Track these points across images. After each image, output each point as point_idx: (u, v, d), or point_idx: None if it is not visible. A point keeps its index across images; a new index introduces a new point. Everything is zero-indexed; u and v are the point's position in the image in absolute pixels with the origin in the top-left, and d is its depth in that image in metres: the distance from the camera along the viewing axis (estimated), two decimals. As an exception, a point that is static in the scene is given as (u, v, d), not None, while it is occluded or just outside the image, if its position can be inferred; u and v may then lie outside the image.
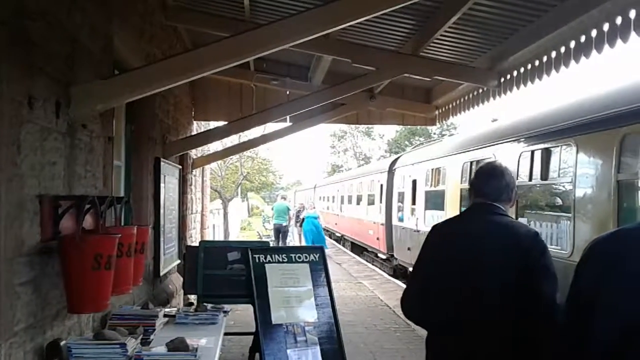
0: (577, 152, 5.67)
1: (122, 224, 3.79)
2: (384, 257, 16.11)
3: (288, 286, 5.19)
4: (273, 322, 4.92)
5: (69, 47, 3.18)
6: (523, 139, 6.97)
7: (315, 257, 5.46)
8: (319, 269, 5.40)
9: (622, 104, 5.14)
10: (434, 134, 40.61)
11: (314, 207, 19.48)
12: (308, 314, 5.11)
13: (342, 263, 16.76)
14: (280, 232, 18.30)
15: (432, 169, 11.35)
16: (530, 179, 6.57)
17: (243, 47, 3.44)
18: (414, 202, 12.60)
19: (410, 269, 12.38)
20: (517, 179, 6.75)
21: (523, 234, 2.58)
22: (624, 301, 1.86)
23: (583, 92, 6.71)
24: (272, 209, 19.62)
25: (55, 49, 2.97)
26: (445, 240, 2.74)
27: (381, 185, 16.15)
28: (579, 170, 5.63)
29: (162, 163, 5.83)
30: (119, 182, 4.85)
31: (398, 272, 14.38)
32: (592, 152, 5.52)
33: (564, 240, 5.90)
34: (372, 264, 17.27)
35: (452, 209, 9.71)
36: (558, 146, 6.14)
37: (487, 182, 2.74)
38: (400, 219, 13.90)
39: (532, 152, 6.60)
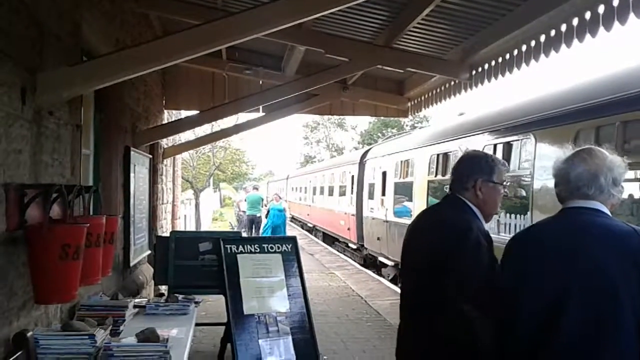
0: (536, 145, 5.96)
1: (91, 213, 3.73)
2: (354, 247, 16.22)
3: (260, 276, 5.19)
4: (245, 313, 4.92)
5: (36, 32, 3.10)
6: (487, 133, 7.26)
7: (287, 248, 5.46)
8: (292, 259, 5.41)
9: (577, 102, 5.51)
10: (407, 125, 40.86)
11: (280, 198, 18.20)
12: (280, 304, 5.11)
13: (314, 254, 16.80)
14: (254, 223, 18.19)
15: (401, 161, 11.57)
16: None
17: (215, 35, 3.41)
18: (383, 193, 12.79)
19: (380, 258, 12.95)
20: None
21: (447, 232, 2.49)
22: (546, 279, 2.03)
23: (543, 89, 7.11)
24: (245, 199, 19.41)
25: (21, 33, 2.89)
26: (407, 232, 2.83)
27: (352, 177, 16.32)
28: (537, 163, 5.92)
29: (132, 152, 5.74)
30: (88, 171, 4.76)
31: (368, 261, 14.56)
32: (550, 146, 5.77)
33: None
34: (344, 254, 17.36)
35: (419, 200, 9.98)
36: (519, 140, 6.45)
37: (453, 171, 2.70)
38: (371, 210, 14.07)
39: (495, 145, 6.90)
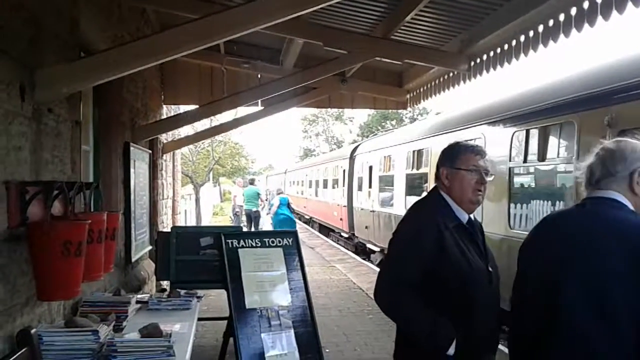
0: (485, 144, 7.17)
1: (92, 210, 3.73)
2: (346, 236, 17.27)
3: (262, 271, 5.19)
4: (247, 307, 4.92)
5: (34, 29, 3.09)
6: (450, 133, 8.64)
7: (288, 242, 5.46)
8: (293, 253, 5.41)
9: (513, 108, 6.81)
10: (406, 117, 40.82)
11: (279, 193, 17.09)
12: (282, 298, 5.12)
13: (315, 247, 16.83)
14: (251, 217, 18.15)
15: (385, 157, 12.95)
16: None
17: (213, 29, 3.39)
18: (370, 186, 14.13)
19: (368, 245, 14.07)
20: None
21: (397, 225, 2.66)
22: (547, 263, 2.08)
23: (492, 95, 8.49)
24: (243, 194, 19.36)
25: (19, 31, 2.88)
26: None
27: (344, 171, 17.58)
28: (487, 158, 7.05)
29: (131, 148, 5.73)
30: (88, 168, 4.76)
31: (359, 249, 15.58)
32: (495, 144, 6.95)
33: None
34: (338, 243, 18.19)
35: (399, 191, 11.50)
36: (474, 139, 7.63)
37: None
38: (360, 201, 15.28)
39: None
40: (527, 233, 2.30)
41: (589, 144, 4.91)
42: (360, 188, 15.37)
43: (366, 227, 14.14)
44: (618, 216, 2.03)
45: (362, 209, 14.83)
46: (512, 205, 6.69)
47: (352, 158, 16.74)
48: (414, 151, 10.69)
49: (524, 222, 6.61)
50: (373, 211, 13.47)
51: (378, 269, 12.53)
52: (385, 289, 2.50)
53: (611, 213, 2.04)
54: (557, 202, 6.07)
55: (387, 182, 12.56)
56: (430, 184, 9.21)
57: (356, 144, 19.10)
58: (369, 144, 15.95)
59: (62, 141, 3.50)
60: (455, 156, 2.60)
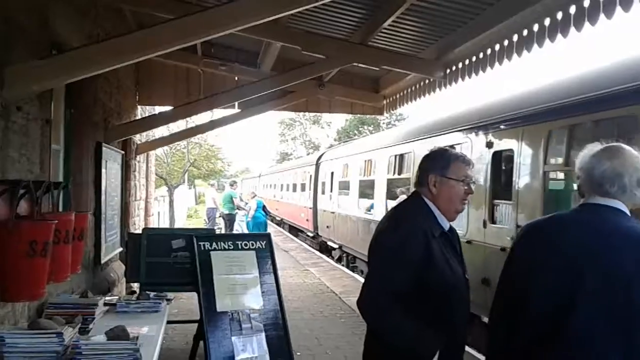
0: (414, 158, 8.68)
1: (60, 209, 3.66)
2: (312, 235, 18.81)
3: (234, 274, 5.15)
4: (218, 310, 4.87)
5: (3, 25, 3.03)
6: (391, 147, 10.34)
7: (261, 245, 5.43)
8: (266, 256, 5.37)
9: (434, 130, 8.22)
10: (383, 123, 41.04)
11: (254, 196, 17.69)
12: (254, 301, 5.08)
13: (289, 250, 16.79)
14: (226, 220, 18.00)
15: (343, 164, 14.58)
16: (394, 174, 10.23)
17: (190, 29, 3.37)
18: (331, 190, 15.86)
19: (329, 243, 15.55)
20: (387, 174, 10.50)
21: (378, 229, 2.58)
22: (556, 274, 1.97)
23: (422, 119, 10.62)
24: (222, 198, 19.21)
25: (-13, 25, 2.82)
26: None
27: (310, 176, 19.11)
28: (414, 168, 7.75)
29: (103, 148, 5.65)
30: (58, 167, 4.67)
31: (322, 246, 17.02)
32: (420, 159, 8.21)
33: None
34: (305, 243, 19.35)
35: (354, 195, 13.16)
36: (405, 153, 9.55)
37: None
38: (323, 203, 16.89)
39: (395, 155, 10.11)
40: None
41: (477, 159, 6.58)
42: (323, 192, 16.99)
43: (327, 227, 15.74)
44: (629, 225, 1.96)
45: (324, 211, 16.47)
46: None
47: (317, 165, 18.18)
48: (365, 161, 12.43)
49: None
50: (333, 212, 15.05)
51: (351, 272, 13.06)
52: (370, 298, 2.40)
53: (621, 222, 1.97)
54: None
55: (345, 187, 14.19)
56: (377, 191, 11.04)
57: (322, 152, 20.63)
58: (332, 152, 17.63)
59: (30, 140, 3.43)
60: (447, 164, 2.50)
